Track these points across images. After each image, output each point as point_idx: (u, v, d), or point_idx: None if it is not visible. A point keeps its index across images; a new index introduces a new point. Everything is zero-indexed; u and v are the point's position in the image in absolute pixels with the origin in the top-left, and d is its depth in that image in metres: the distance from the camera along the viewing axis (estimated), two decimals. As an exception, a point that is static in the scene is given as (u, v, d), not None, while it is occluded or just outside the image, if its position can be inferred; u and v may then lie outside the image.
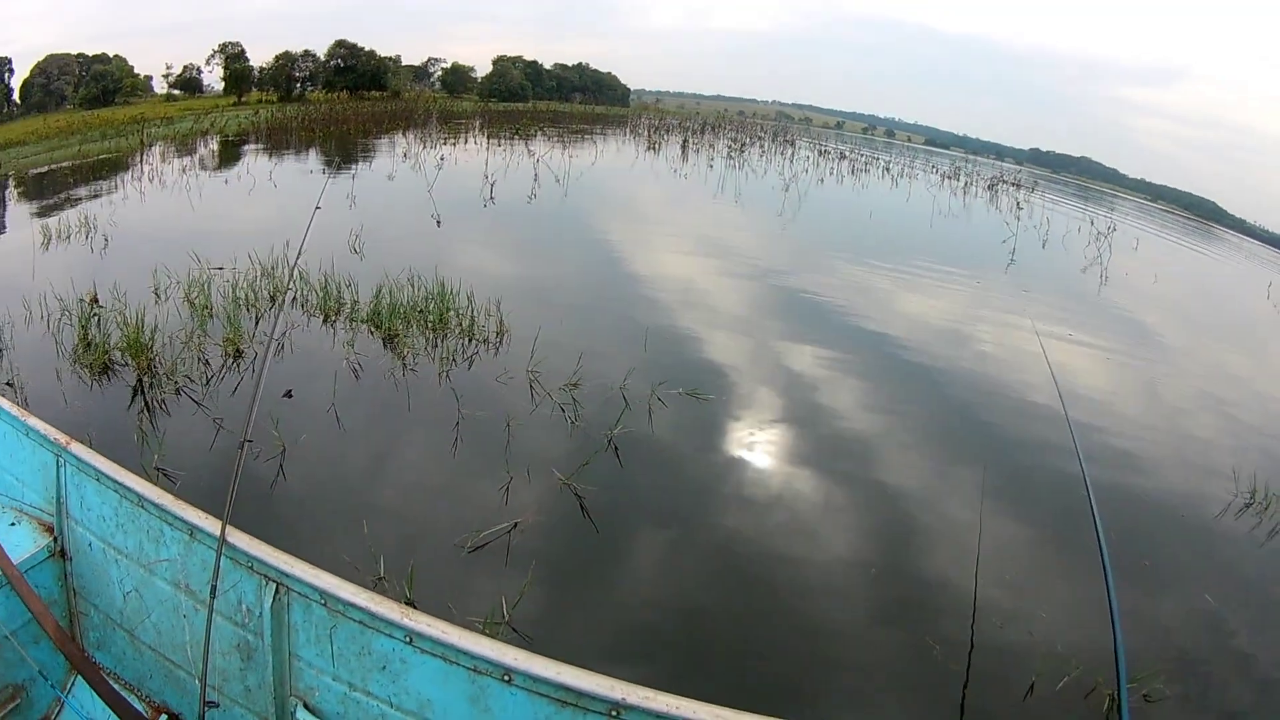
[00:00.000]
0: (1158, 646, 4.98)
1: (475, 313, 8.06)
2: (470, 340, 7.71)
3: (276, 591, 2.66)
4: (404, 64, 48.76)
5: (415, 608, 2.57)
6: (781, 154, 34.31)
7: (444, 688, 2.44)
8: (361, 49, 45.80)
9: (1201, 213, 70.45)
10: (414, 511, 5.13)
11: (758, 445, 6.68)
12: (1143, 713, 4.35)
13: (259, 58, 45.21)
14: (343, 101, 38.33)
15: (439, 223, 12.11)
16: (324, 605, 2.59)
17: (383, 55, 46.43)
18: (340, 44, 46.48)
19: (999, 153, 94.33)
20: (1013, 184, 40.25)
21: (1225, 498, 7.05)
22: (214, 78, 46.27)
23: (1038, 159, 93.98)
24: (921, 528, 5.82)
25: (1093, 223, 26.39)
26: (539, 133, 27.86)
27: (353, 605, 2.53)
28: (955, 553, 5.44)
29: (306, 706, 2.72)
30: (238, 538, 2.75)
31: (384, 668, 2.53)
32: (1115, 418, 8.74)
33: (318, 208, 4.70)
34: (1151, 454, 7.94)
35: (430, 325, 7.77)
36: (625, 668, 3.60)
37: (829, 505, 5.95)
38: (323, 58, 45.81)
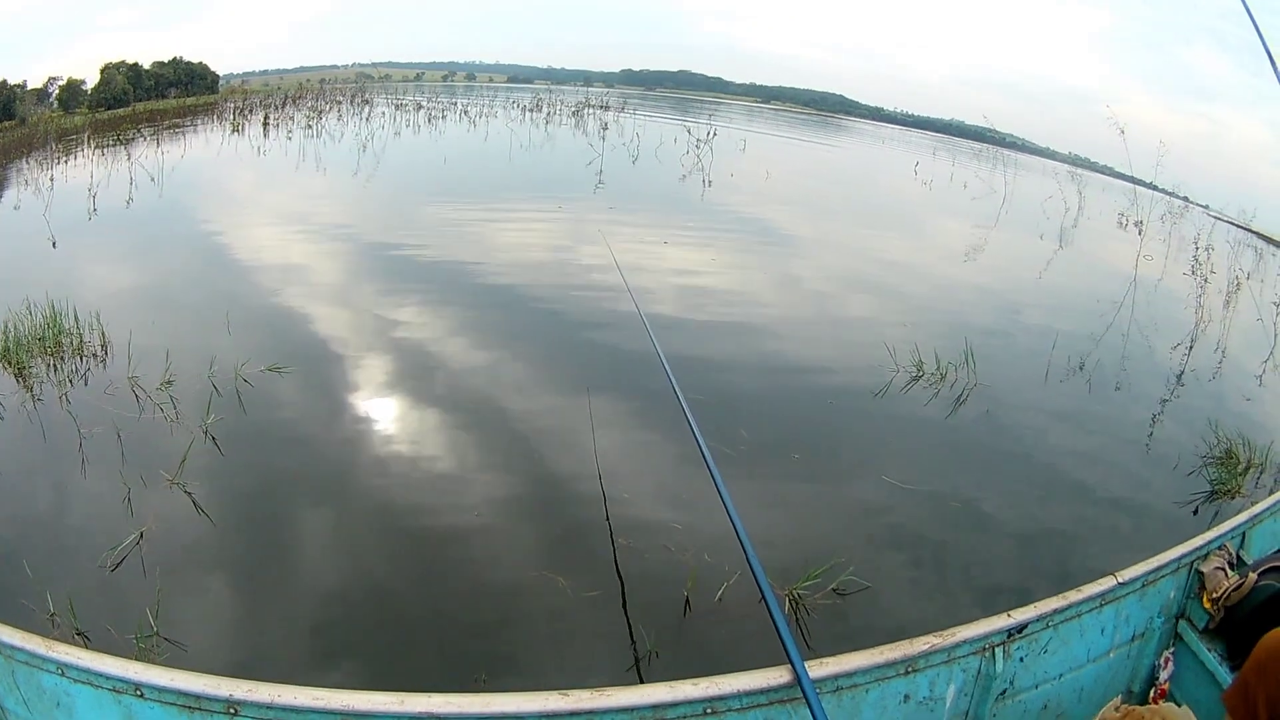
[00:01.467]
0: (844, 537, 5.45)
1: (81, 330, 8.22)
2: (81, 358, 7.88)
3: None
4: (29, 88, 47.08)
5: (86, 639, 3.20)
6: (358, 115, 34.88)
7: (102, 714, 2.57)
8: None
9: (827, 106, 76.88)
10: (62, 542, 5.21)
11: (358, 407, 7.20)
12: (838, 609, 4.70)
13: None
14: None
15: (55, 244, 12.24)
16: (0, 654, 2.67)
17: (13, 84, 44.35)
18: None
19: (588, 79, 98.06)
20: (600, 107, 43.08)
21: (887, 375, 8.15)
22: None
23: (630, 79, 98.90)
24: (548, 460, 6.36)
25: (690, 131, 27.97)
26: (137, 135, 27.36)
27: (15, 647, 2.62)
28: (583, 477, 5.98)
29: None
30: None
31: (58, 704, 2.65)
32: (737, 314, 9.92)
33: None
34: (796, 345, 9.07)
35: (49, 351, 7.93)
36: (275, 644, 4.35)
37: (449, 455, 6.41)
38: None
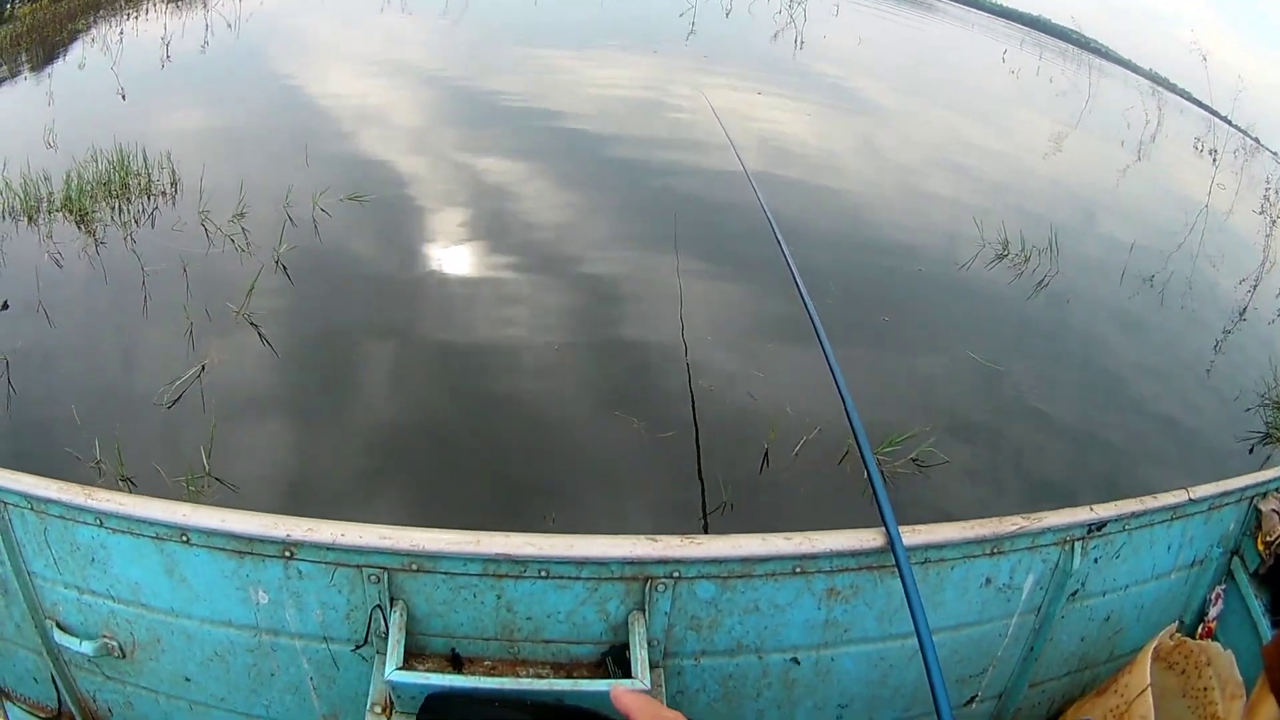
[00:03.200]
0: (925, 406, 5.36)
1: (150, 170, 8.04)
2: (149, 198, 7.70)
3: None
4: None
5: (132, 484, 3.01)
6: None
7: (141, 565, 2.45)
8: None
9: (917, -21, 74.48)
10: (116, 384, 5.14)
11: (436, 240, 7.07)
12: (915, 479, 4.67)
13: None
14: (44, 8, 35.68)
15: (124, 96, 11.83)
16: (31, 509, 2.50)
17: None
18: None
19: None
20: None
21: (973, 249, 8.03)
22: None
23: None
24: (629, 301, 6.29)
25: (784, -12, 26.87)
26: None
27: (49, 500, 2.45)
28: (666, 326, 5.83)
29: (60, 626, 2.66)
30: None
31: (93, 560, 2.51)
32: (827, 176, 9.69)
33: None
34: (885, 211, 8.91)
35: (114, 194, 7.72)
36: (332, 486, 4.33)
37: (526, 295, 6.30)
38: None
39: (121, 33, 17.44)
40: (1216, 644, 3.01)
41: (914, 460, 4.65)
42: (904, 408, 5.25)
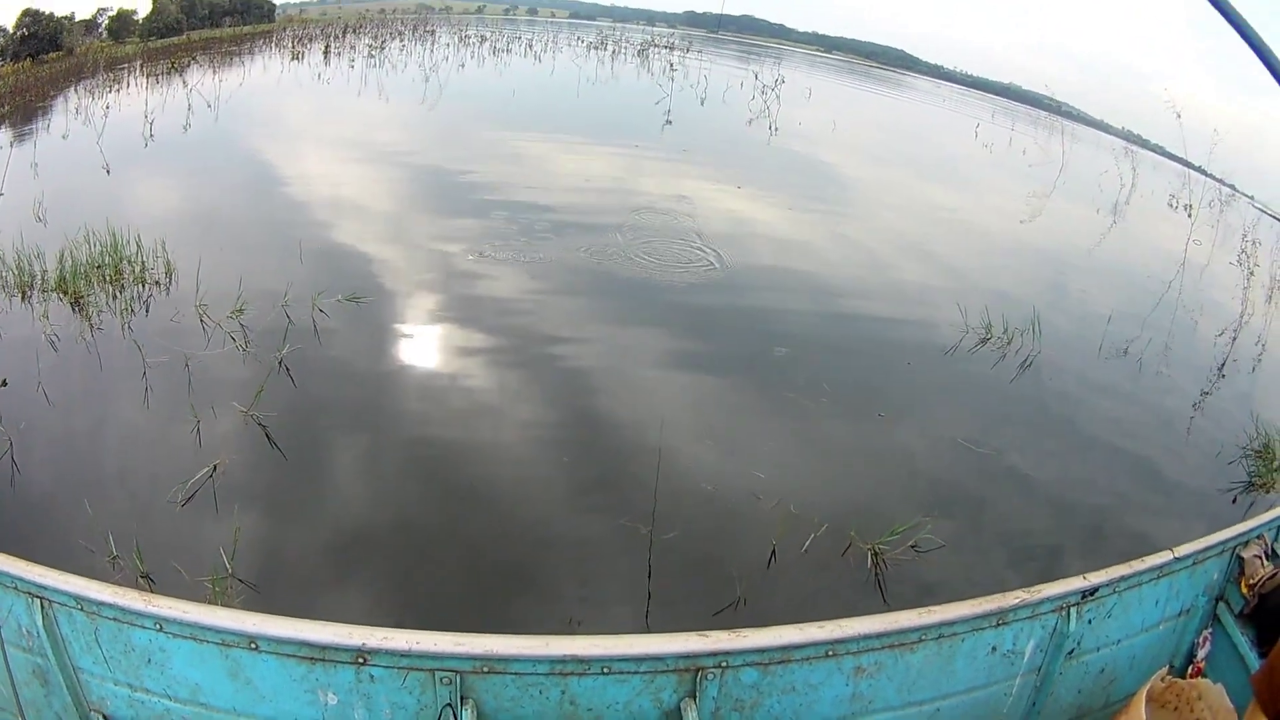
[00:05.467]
0: (921, 494, 5.54)
1: (144, 257, 8.12)
2: (144, 285, 7.81)
3: (42, 606, 2.67)
4: (77, 20, 46.97)
5: (151, 581, 3.13)
6: (422, 45, 34.78)
7: (204, 668, 2.58)
8: (43, 14, 43.49)
9: (888, 60, 75.33)
10: (128, 475, 5.17)
11: (427, 340, 7.20)
12: (912, 566, 4.79)
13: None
14: (26, 70, 35.97)
15: (109, 171, 12.03)
16: (81, 610, 2.62)
17: (59, 16, 44.32)
18: (26, 13, 43.85)
19: (650, 18, 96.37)
20: (665, 47, 42.33)
21: (957, 335, 8.27)
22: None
23: (693, 20, 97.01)
24: (609, 402, 6.41)
25: (757, 77, 27.97)
26: (191, 62, 27.68)
27: (102, 603, 2.57)
28: (650, 423, 5.94)
29: (106, 718, 2.80)
30: None
31: (149, 661, 2.62)
32: (810, 269, 9.94)
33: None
34: (872, 301, 9.19)
35: (108, 279, 7.79)
36: (358, 590, 4.27)
37: (527, 394, 6.42)
38: (10, 29, 43.00)
39: (106, 106, 17.45)
40: (1206, 680, 3.22)
41: (913, 547, 4.80)
42: (902, 498, 5.41)
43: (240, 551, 4.36)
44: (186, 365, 6.24)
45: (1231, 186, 27.32)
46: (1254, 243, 16.92)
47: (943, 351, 7.92)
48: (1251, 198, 28.32)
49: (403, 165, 13.25)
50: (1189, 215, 19.89)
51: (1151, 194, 23.39)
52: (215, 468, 5.03)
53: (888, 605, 4.43)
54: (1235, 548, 3.44)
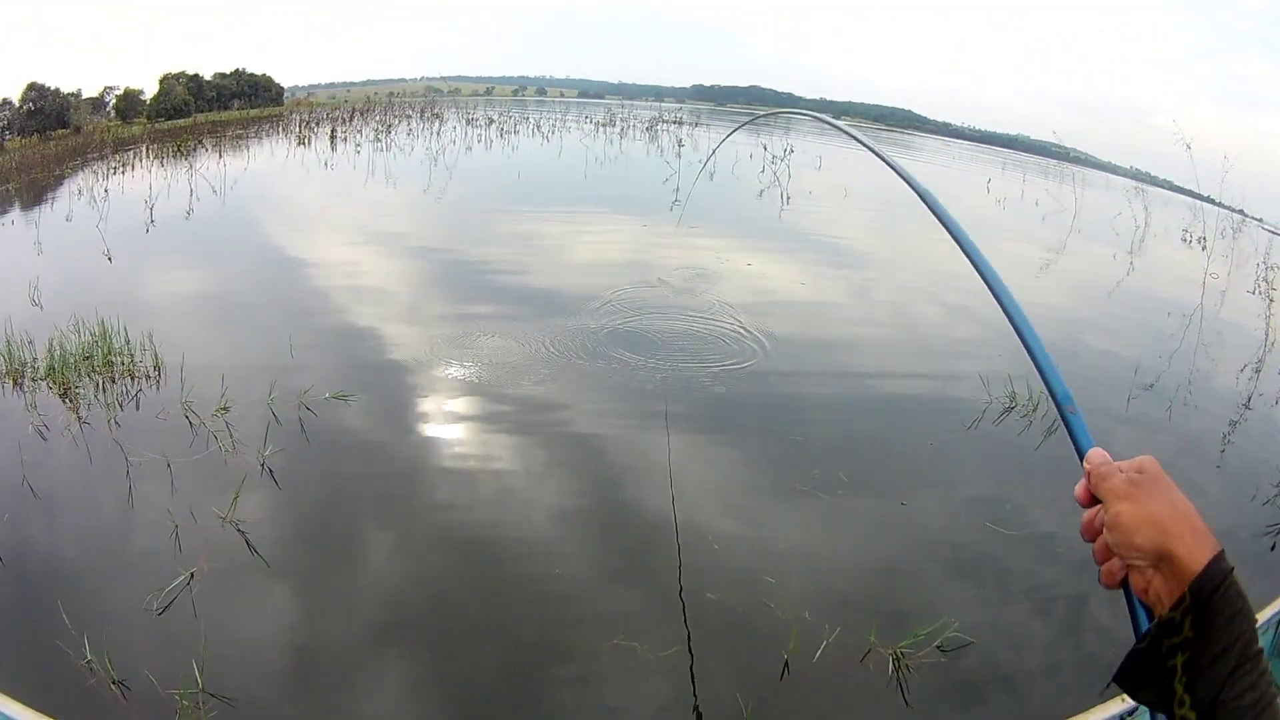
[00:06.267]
0: (947, 588, 5.26)
1: (132, 349, 8.12)
2: (133, 379, 7.75)
3: None
4: (84, 97, 48.06)
5: (125, 688, 3.34)
6: (429, 129, 35.06)
7: None
8: (48, 89, 44.47)
9: (896, 122, 76.05)
10: (106, 578, 5.10)
11: (424, 442, 6.92)
12: (939, 669, 4.46)
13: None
14: (33, 146, 37.01)
15: (110, 258, 12.19)
16: None
17: (66, 92, 45.24)
18: (31, 86, 44.93)
19: (659, 94, 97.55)
20: (674, 122, 42.62)
21: (980, 406, 7.98)
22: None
23: (702, 94, 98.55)
24: (628, 503, 6.11)
25: (765, 148, 27.79)
26: (198, 145, 28.03)
27: None
28: (662, 519, 5.73)
29: None
30: None
31: None
32: (826, 342, 9.72)
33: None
34: (891, 377, 8.92)
35: (97, 370, 7.82)
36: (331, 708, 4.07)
37: (519, 495, 6.17)
38: (16, 104, 44.13)
39: (107, 189, 17.81)
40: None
41: (939, 648, 4.48)
42: (926, 593, 5.12)
43: (213, 665, 4.20)
44: (168, 466, 6.14)
45: (1240, 212, 27.29)
46: (1272, 268, 16.91)
47: (965, 426, 7.60)
48: (1260, 220, 28.21)
49: (404, 252, 13.27)
50: (1203, 248, 19.95)
51: (1165, 231, 23.45)
52: (192, 575, 4.91)
53: (910, 712, 4.15)
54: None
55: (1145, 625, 1.16)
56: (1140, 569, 1.16)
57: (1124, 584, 1.20)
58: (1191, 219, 24.66)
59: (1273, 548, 6.03)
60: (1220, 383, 9.76)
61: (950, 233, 1.95)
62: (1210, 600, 1.06)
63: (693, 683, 4.28)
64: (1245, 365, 10.47)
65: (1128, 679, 1.14)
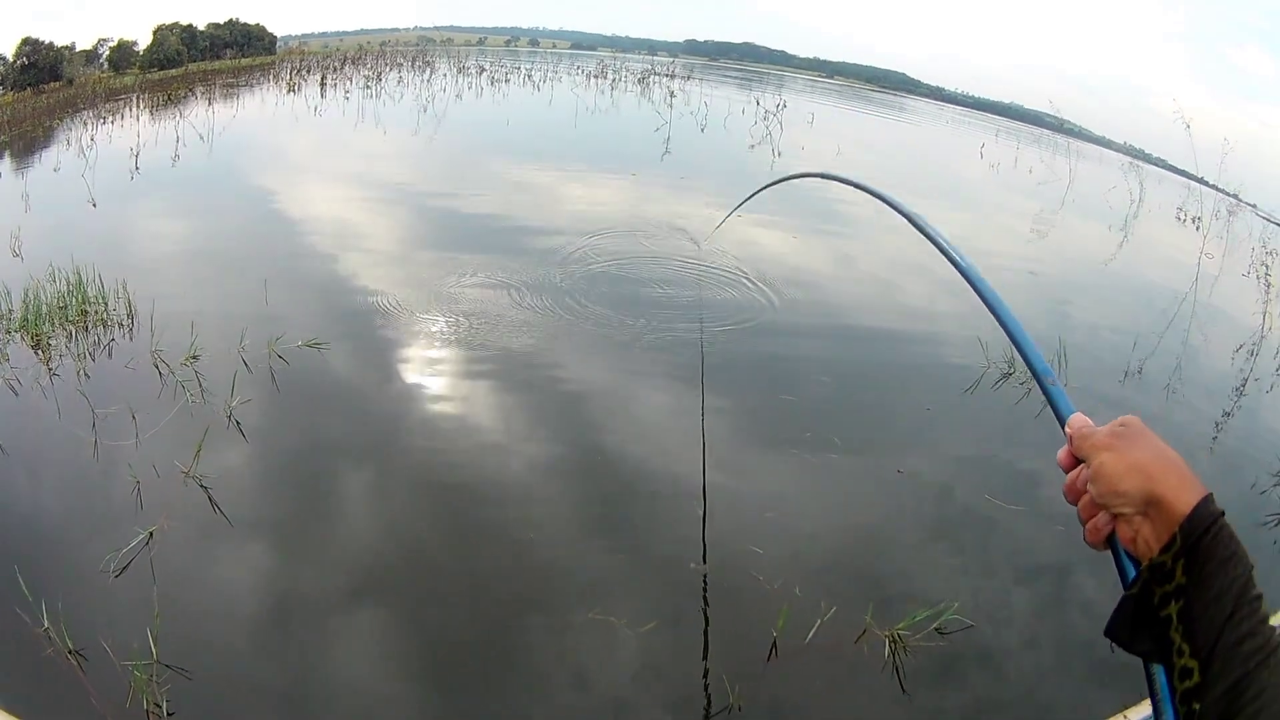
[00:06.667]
0: (945, 566, 4.98)
1: (105, 297, 7.82)
2: (105, 328, 7.47)
3: None
4: (78, 50, 48.28)
5: (82, 657, 3.31)
6: (420, 77, 34.79)
7: None
8: (42, 43, 44.53)
9: (890, 84, 75.95)
10: (65, 539, 4.84)
11: (399, 394, 6.64)
12: (937, 652, 4.19)
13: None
14: (25, 100, 37.09)
15: (95, 205, 11.97)
16: None
17: (60, 46, 45.42)
18: (25, 41, 45.13)
19: (651, 48, 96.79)
20: (666, 75, 42.19)
21: (977, 370, 7.72)
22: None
23: (694, 49, 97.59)
24: (611, 465, 5.82)
25: (758, 103, 27.72)
26: (188, 94, 28.08)
27: None
28: (640, 481, 5.55)
29: None
30: None
31: None
32: (816, 301, 9.48)
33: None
34: (886, 338, 8.71)
35: (71, 321, 7.55)
36: (289, 685, 3.82)
37: (478, 454, 5.83)
38: (10, 58, 44.00)
39: (93, 138, 17.80)
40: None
41: (938, 630, 4.20)
42: (924, 570, 4.85)
43: (170, 633, 3.95)
44: (133, 418, 5.83)
45: (1235, 196, 27.22)
46: (1270, 252, 16.98)
47: (963, 391, 7.33)
48: (1255, 206, 28.21)
49: (390, 197, 13.03)
50: (1197, 228, 20.01)
51: (1160, 208, 23.50)
52: (151, 535, 4.63)
53: (908, 698, 3.87)
54: None
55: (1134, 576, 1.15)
56: (1127, 518, 1.16)
57: (1110, 541, 1.20)
58: (1186, 198, 24.74)
59: (1276, 542, 5.73)
60: (1215, 364, 9.60)
61: (915, 225, 2.21)
62: (1200, 543, 1.06)
63: (675, 661, 4.04)
64: (1240, 347, 10.28)
65: (1120, 630, 1.15)
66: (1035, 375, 1.44)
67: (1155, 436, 1.17)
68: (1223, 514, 1.07)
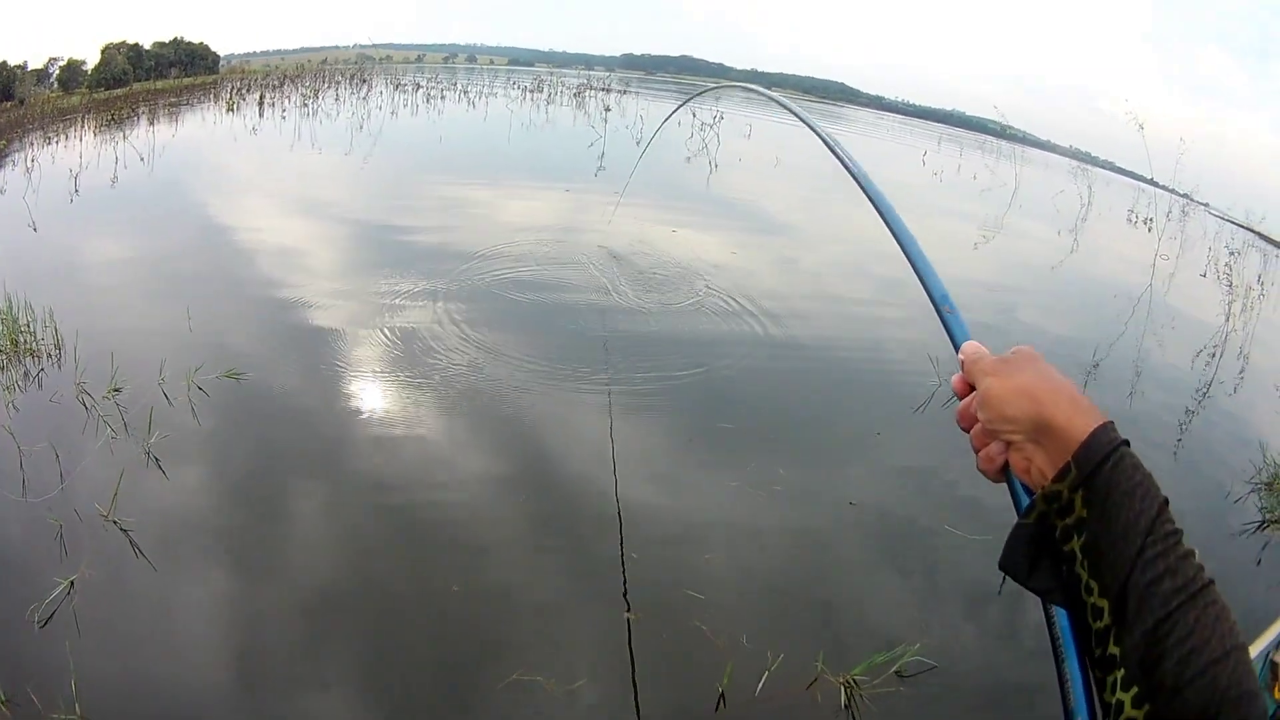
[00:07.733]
0: (900, 605, 4.76)
1: (33, 326, 7.60)
2: (35, 358, 7.26)
3: None
4: (29, 69, 48.31)
5: (14, 707, 3.23)
6: (356, 95, 35.07)
7: None
8: None
9: (829, 94, 77.01)
10: None
11: (309, 418, 6.45)
12: (898, 697, 3.96)
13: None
14: None
15: (34, 227, 11.69)
16: None
17: (12, 65, 45.46)
18: None
19: (589, 63, 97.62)
20: (602, 89, 42.70)
21: (929, 386, 7.52)
22: None
23: (631, 63, 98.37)
24: (550, 500, 5.56)
25: (694, 114, 27.44)
26: (132, 114, 27.60)
27: None
28: (572, 518, 5.31)
29: None
30: None
31: None
32: (771, 318, 9.13)
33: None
34: (832, 354, 8.51)
35: (2, 351, 7.33)
36: None
37: (402, 487, 5.61)
38: None
39: (36, 160, 17.35)
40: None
41: (897, 673, 3.97)
42: (880, 611, 4.62)
43: (91, 686, 3.80)
44: (56, 456, 5.59)
45: (1187, 196, 27.61)
46: (1230, 252, 17.53)
47: (913, 409, 7.11)
48: (1207, 205, 28.66)
49: (321, 217, 12.83)
50: (1149, 230, 20.29)
51: (1110, 210, 24.01)
52: (72, 584, 4.43)
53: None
54: (1269, 654, 3.22)
55: None
56: (1019, 445, 1.15)
57: (1005, 471, 1.20)
58: (1136, 200, 25.16)
59: (1258, 562, 5.62)
60: (1176, 369, 9.54)
61: (829, 146, 2.22)
62: (1098, 472, 1.03)
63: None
64: (1200, 351, 10.27)
65: (1015, 562, 1.12)
66: (933, 301, 1.47)
67: (1046, 363, 1.16)
68: (1125, 443, 1.04)
